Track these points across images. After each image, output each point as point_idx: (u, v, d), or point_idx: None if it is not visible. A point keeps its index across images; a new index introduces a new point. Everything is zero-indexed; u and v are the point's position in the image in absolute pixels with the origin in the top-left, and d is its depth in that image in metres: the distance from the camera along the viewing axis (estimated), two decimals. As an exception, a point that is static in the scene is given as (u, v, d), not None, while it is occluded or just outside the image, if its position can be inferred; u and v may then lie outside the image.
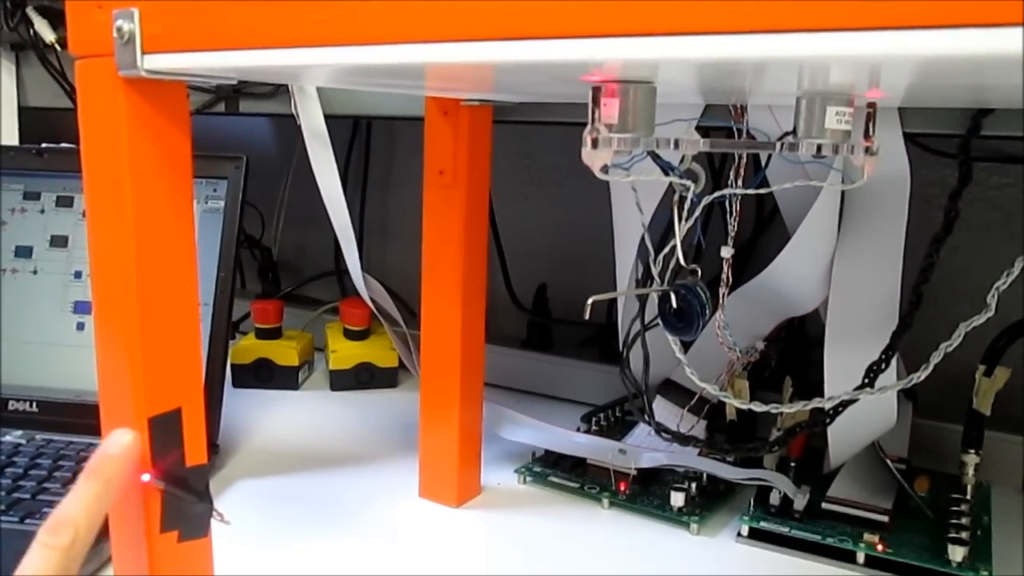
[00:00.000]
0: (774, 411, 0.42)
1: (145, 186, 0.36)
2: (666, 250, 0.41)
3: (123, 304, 0.36)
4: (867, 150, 0.35)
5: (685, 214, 0.38)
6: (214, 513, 0.41)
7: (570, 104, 0.59)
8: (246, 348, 0.84)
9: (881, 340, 0.50)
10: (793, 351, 0.66)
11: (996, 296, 0.43)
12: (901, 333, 0.49)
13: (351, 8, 0.29)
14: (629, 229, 0.61)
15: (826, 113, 0.34)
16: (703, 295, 0.38)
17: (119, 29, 0.33)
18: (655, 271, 0.42)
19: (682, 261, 0.39)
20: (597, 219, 0.67)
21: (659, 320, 0.42)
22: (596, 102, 0.32)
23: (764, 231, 0.74)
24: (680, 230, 0.38)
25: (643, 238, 0.45)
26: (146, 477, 0.37)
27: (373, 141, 1.01)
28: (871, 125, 0.36)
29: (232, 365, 0.83)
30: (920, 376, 0.42)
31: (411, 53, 0.29)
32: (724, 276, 0.53)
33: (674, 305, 0.39)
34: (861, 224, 0.51)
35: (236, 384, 0.83)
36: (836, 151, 0.35)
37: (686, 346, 0.67)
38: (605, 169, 0.32)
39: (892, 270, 0.51)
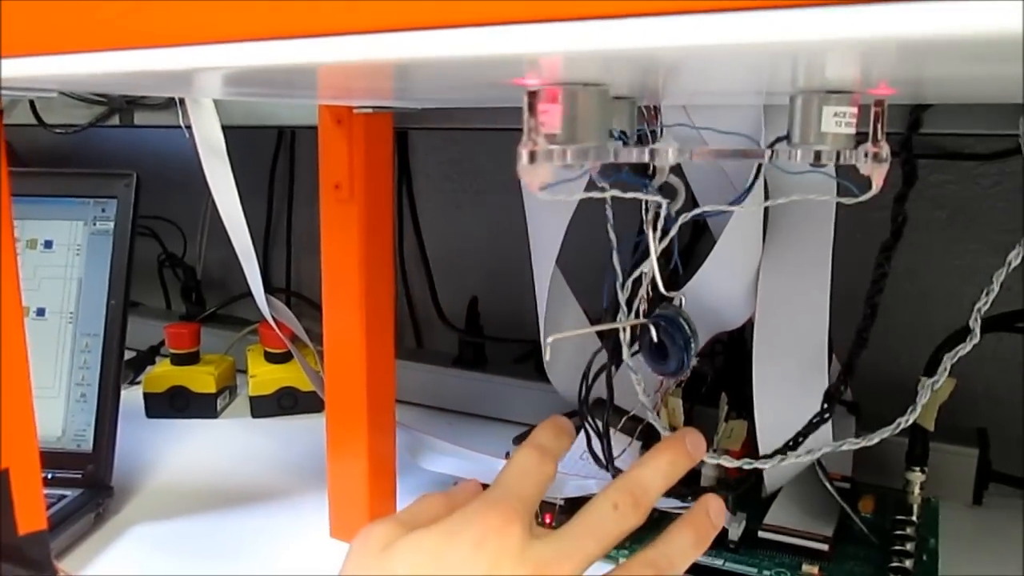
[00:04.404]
0: (710, 460, 0.39)
1: (-54, 217, 0.31)
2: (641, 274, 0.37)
3: (-74, 354, 0.32)
4: (875, 156, 0.30)
5: (659, 234, 0.34)
6: (59, 583, 0.36)
7: (503, 108, 0.55)
8: (159, 376, 0.78)
9: (811, 354, 0.46)
10: (731, 365, 0.62)
11: (979, 320, 0.39)
12: (858, 351, 0.45)
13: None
14: (545, 238, 0.57)
15: (822, 114, 0.29)
16: (687, 327, 0.33)
17: None
18: (622, 299, 0.37)
19: (662, 288, 0.34)
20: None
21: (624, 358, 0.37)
22: (532, 110, 0.26)
23: (701, 236, 0.70)
24: (656, 253, 0.33)
25: (612, 262, 0.41)
26: (-39, 553, 0.32)
27: (298, 151, 0.96)
28: (880, 127, 0.31)
29: (145, 394, 0.78)
30: (907, 420, 0.39)
31: (285, 52, 0.23)
32: (644, 291, 0.48)
33: (654, 339, 0.34)
34: (786, 231, 0.47)
35: (150, 414, 0.78)
36: (838, 158, 0.30)
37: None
38: (546, 188, 0.27)
39: (820, 278, 0.47)
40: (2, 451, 0.33)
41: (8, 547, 0.34)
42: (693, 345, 0.38)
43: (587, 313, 0.66)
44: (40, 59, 0.28)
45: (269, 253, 0.99)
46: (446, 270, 0.88)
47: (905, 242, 0.66)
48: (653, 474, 0.33)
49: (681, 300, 0.41)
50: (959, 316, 0.65)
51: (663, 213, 0.39)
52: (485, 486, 0.55)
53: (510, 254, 0.84)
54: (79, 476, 0.58)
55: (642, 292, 0.41)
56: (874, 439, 0.42)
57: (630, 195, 0.37)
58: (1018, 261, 0.36)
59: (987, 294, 0.39)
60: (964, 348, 0.41)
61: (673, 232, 0.41)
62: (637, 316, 0.43)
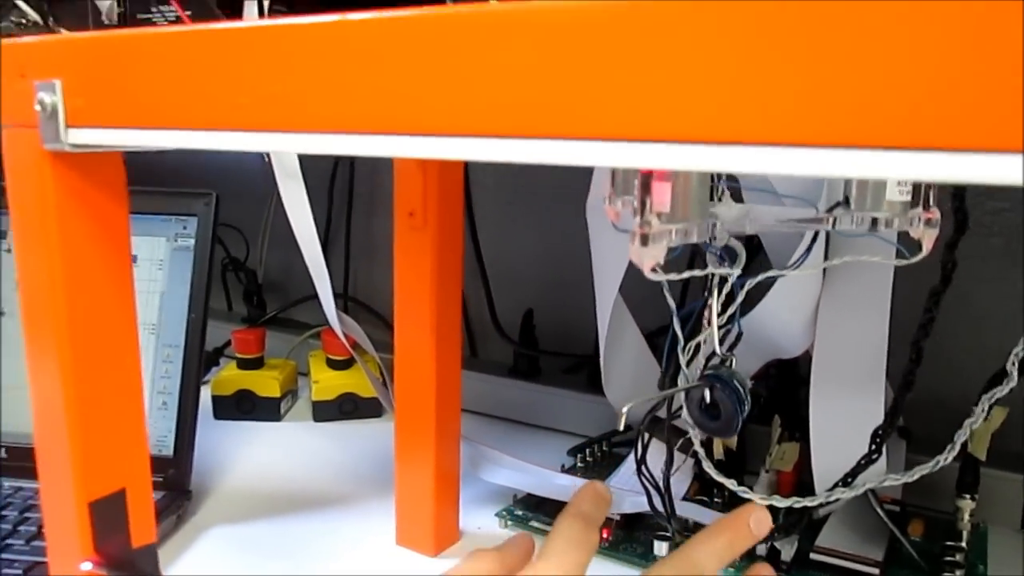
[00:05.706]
0: (761, 501, 0.41)
1: (77, 261, 0.34)
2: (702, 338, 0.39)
3: (57, 384, 0.35)
4: (928, 222, 0.32)
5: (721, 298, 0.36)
6: (165, 591, 0.39)
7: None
8: (227, 379, 0.82)
9: (868, 390, 0.48)
10: (783, 387, 0.64)
11: (1016, 364, 0.41)
12: (904, 393, 0.47)
13: (288, 95, 0.27)
14: (609, 264, 0.59)
15: (887, 184, 0.31)
16: (741, 389, 0.35)
17: (41, 102, 0.31)
18: (682, 360, 0.38)
19: (717, 348, 0.35)
20: (586, 242, 0.64)
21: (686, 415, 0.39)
22: (646, 188, 0.27)
23: (751, 262, 0.71)
24: (716, 320, 0.35)
25: (672, 326, 0.43)
26: (87, 566, 0.35)
27: (358, 163, 0.99)
28: (931, 193, 0.33)
29: (213, 397, 0.81)
30: (946, 458, 0.41)
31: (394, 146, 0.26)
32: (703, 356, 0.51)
33: (706, 400, 0.35)
34: (846, 269, 0.49)
35: (218, 416, 0.81)
36: (890, 224, 0.32)
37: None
38: (657, 269, 0.27)
39: (879, 316, 0.49)
40: (119, 471, 0.37)
41: (123, 560, 0.37)
42: (747, 407, 0.39)
43: (642, 330, 0.68)
44: (151, 132, 0.31)
45: (327, 260, 1.02)
46: (502, 282, 0.91)
47: (960, 268, 0.67)
48: (708, 556, 0.34)
49: (732, 360, 0.42)
50: (1013, 342, 0.66)
51: (731, 280, 0.40)
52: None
53: (565, 268, 0.86)
54: (160, 480, 0.61)
55: (700, 357, 0.42)
56: (915, 475, 0.43)
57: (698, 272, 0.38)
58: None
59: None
60: (1002, 391, 0.43)
61: (739, 299, 0.42)
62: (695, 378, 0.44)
